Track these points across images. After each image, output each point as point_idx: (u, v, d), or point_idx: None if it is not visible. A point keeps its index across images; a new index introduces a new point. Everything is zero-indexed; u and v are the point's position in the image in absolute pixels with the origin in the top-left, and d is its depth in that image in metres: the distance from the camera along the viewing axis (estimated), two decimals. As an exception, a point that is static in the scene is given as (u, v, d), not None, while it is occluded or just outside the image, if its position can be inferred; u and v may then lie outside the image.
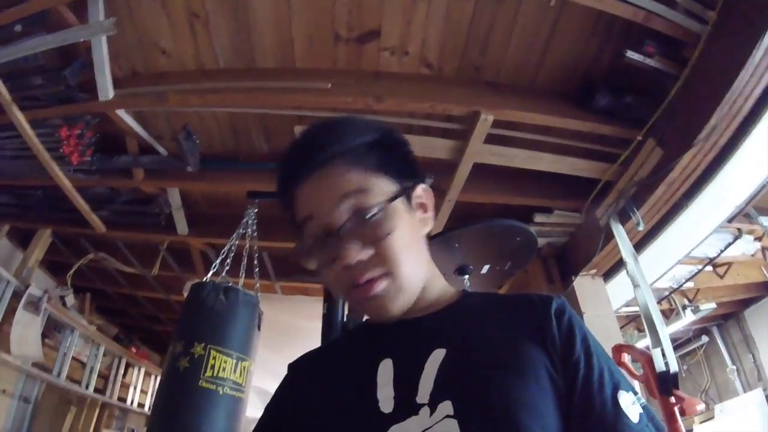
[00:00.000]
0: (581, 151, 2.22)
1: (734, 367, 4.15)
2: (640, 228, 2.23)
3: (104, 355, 3.84)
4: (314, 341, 1.94)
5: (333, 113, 1.95)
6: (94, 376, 3.65)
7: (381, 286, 0.61)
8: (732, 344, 4.23)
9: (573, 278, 2.63)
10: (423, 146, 2.04)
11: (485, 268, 2.48)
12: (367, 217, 0.60)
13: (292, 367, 0.75)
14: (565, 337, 0.59)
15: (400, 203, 0.63)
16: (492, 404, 0.54)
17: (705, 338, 4.42)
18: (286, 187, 0.67)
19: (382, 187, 0.63)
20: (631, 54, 1.77)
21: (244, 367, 1.66)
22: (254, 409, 2.06)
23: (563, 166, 2.24)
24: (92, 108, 1.96)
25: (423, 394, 0.56)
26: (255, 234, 2.08)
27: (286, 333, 2.78)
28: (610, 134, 2.06)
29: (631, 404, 0.56)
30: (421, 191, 0.69)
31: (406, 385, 0.58)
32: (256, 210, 2.12)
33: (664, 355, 2.02)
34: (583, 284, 2.62)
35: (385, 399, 0.58)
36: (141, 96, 1.90)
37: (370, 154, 0.64)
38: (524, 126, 2.07)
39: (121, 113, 1.99)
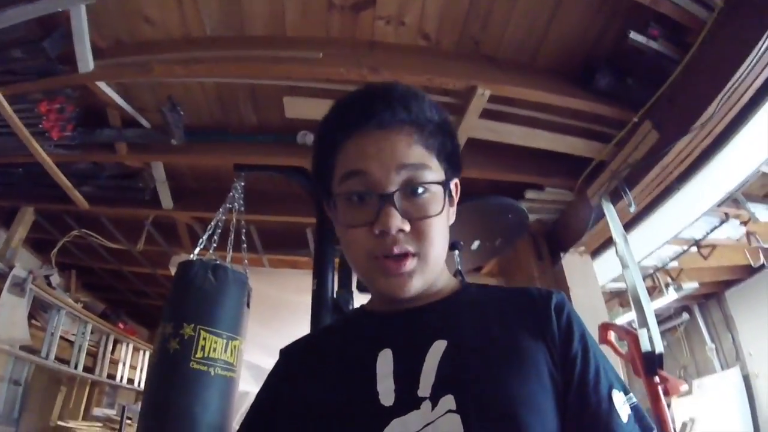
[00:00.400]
0: (577, 130, 2.20)
1: (713, 346, 4.29)
2: (632, 209, 2.23)
3: (92, 332, 3.81)
4: (304, 315, 1.94)
5: (326, 84, 1.89)
6: (83, 355, 3.63)
7: (411, 264, 0.61)
8: (712, 323, 4.36)
9: (562, 255, 2.64)
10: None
11: (475, 244, 2.48)
12: (418, 192, 0.61)
13: (286, 353, 0.74)
14: (565, 333, 0.60)
15: (442, 190, 0.63)
16: (495, 401, 0.54)
17: (686, 316, 4.54)
18: (342, 129, 0.64)
19: (437, 170, 0.63)
20: (634, 35, 1.73)
21: (235, 347, 1.65)
22: (245, 384, 2.07)
23: (559, 145, 2.22)
24: (73, 81, 1.86)
25: (424, 388, 0.56)
26: (242, 208, 2.04)
27: (275, 307, 2.77)
28: (608, 115, 2.04)
29: (623, 404, 0.57)
30: (455, 186, 0.69)
31: (406, 377, 0.57)
32: (243, 183, 2.07)
33: (650, 335, 2.06)
34: (572, 261, 2.64)
35: (386, 392, 0.57)
36: (124, 67, 1.81)
37: (435, 135, 0.64)
38: (521, 102, 2.03)
39: (102, 85, 1.90)
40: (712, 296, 4.35)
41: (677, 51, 1.72)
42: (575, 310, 0.63)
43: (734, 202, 2.56)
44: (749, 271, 3.75)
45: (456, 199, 0.70)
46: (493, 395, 0.54)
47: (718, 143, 1.87)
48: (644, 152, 2.05)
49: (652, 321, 2.20)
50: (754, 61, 1.44)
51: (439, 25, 1.83)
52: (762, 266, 3.44)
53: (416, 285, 0.62)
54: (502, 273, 3.05)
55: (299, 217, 2.62)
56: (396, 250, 0.59)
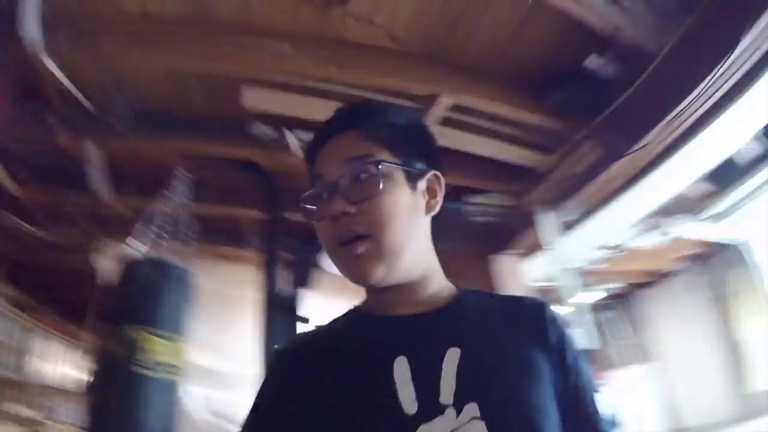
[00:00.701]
0: (524, 140, 2.29)
1: (630, 342, 4.69)
2: (567, 219, 2.40)
3: (16, 329, 3.46)
4: (248, 311, 1.90)
5: (290, 78, 1.83)
6: (8, 355, 3.29)
7: (363, 247, 0.64)
8: (629, 321, 4.77)
9: (498, 256, 2.78)
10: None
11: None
12: (360, 177, 0.66)
13: (282, 356, 0.73)
14: (560, 343, 0.67)
15: (399, 176, 0.67)
16: (515, 408, 0.59)
17: (605, 314, 4.95)
18: (313, 146, 0.74)
19: (385, 158, 0.67)
20: (589, 61, 1.87)
21: (179, 348, 1.58)
22: (187, 386, 1.99)
23: (509, 154, 2.31)
24: (12, 54, 1.64)
25: (446, 395, 0.58)
26: (186, 200, 1.93)
27: (217, 303, 2.66)
28: (557, 129, 2.16)
29: (600, 404, 0.66)
30: (433, 177, 0.73)
31: (426, 385, 0.59)
32: (186, 174, 1.97)
33: (579, 332, 2.25)
34: (506, 262, 2.80)
35: (408, 399, 0.58)
36: (70, 42, 1.62)
37: (384, 131, 0.70)
38: (476, 111, 2.09)
39: (45, 60, 1.70)
40: (629, 296, 4.75)
41: (630, 75, 1.83)
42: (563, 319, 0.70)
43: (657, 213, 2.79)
44: (664, 275, 4.13)
45: (438, 191, 0.73)
46: (513, 403, 0.59)
47: (655, 163, 2.04)
48: (586, 166, 2.20)
49: (581, 318, 2.40)
50: (699, 94, 1.59)
51: (409, 28, 1.83)
52: (675, 271, 3.82)
53: (377, 271, 0.64)
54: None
55: (243, 210, 2.53)
56: (343, 234, 0.64)
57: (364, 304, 0.74)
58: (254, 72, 1.78)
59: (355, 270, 0.66)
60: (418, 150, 0.72)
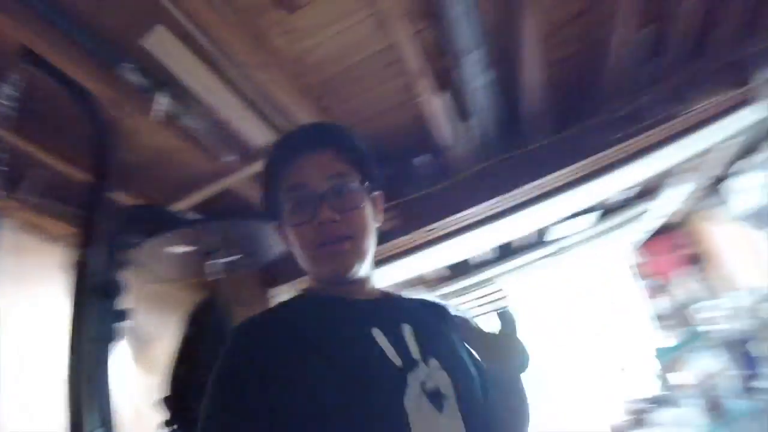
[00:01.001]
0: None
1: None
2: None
3: None
4: (52, 290, 1.40)
5: (209, 42, 1.63)
6: None
7: (346, 246, 0.82)
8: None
9: (279, 287, 2.92)
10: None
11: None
12: (344, 191, 0.83)
13: (254, 333, 0.79)
14: (459, 327, 0.94)
15: (365, 192, 0.87)
16: (458, 361, 0.84)
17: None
18: (287, 155, 0.87)
19: (358, 178, 0.87)
20: (418, 159, 2.54)
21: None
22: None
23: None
24: None
25: (415, 353, 0.79)
26: (11, 115, 1.39)
27: (12, 273, 1.71)
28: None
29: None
30: (379, 195, 0.94)
31: (399, 347, 0.78)
32: (21, 82, 1.43)
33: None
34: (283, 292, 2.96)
35: (393, 357, 0.77)
36: None
37: (353, 153, 0.89)
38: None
39: None
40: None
41: (442, 176, 2.55)
42: None
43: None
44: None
45: (380, 207, 0.93)
46: (457, 358, 0.84)
47: (419, 248, 2.75)
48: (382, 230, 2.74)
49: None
50: (470, 214, 2.39)
51: (319, 62, 1.97)
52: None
53: (354, 265, 0.82)
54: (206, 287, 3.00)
55: (66, 165, 1.93)
56: (330, 236, 0.81)
57: (320, 291, 0.88)
58: (178, 13, 1.50)
59: (337, 264, 0.82)
60: (372, 171, 0.92)
